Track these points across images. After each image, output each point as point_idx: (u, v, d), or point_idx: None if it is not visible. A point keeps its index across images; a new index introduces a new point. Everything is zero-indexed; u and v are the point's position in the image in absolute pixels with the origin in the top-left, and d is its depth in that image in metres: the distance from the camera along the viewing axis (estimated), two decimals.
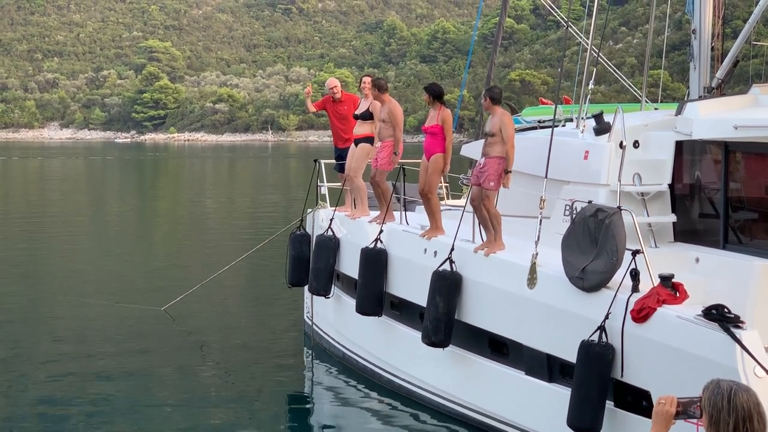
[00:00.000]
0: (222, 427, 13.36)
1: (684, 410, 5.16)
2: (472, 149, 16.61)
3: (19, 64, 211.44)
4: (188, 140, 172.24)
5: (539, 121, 17.54)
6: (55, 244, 33.10)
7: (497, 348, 12.40)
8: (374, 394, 14.88)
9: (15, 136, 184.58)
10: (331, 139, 18.26)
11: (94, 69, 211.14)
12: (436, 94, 14.10)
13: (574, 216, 11.52)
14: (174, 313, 20.12)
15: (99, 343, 18.00)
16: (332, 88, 17.76)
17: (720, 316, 9.35)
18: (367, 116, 16.36)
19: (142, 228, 39.77)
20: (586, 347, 10.31)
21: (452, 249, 12.87)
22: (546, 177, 12.17)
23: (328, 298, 16.60)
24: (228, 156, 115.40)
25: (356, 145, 16.46)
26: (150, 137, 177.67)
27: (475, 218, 13.06)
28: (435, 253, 13.45)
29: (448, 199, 18.19)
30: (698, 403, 5.08)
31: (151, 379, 15.71)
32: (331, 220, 16.59)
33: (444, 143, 13.97)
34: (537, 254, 11.54)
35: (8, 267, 27.49)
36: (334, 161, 17.90)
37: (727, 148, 11.58)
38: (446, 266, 12.86)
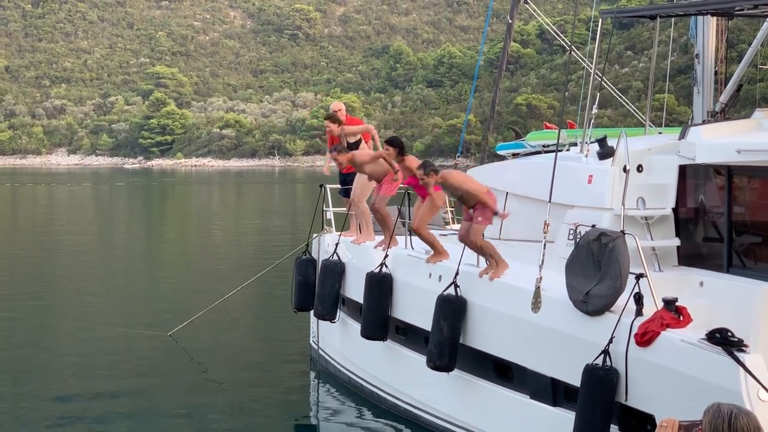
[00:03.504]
0: None
1: None
2: (477, 174, 16.67)
3: (27, 90, 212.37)
4: (195, 166, 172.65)
5: (543, 146, 17.63)
6: (62, 269, 33.19)
7: (502, 372, 12.39)
8: (380, 419, 14.87)
9: (23, 162, 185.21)
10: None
11: (101, 95, 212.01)
12: (400, 147, 14.38)
13: (578, 240, 11.54)
14: (180, 339, 20.13)
15: (104, 369, 18.00)
16: (337, 112, 17.78)
17: (724, 340, 9.34)
18: (355, 146, 16.60)
19: (149, 253, 39.83)
20: (590, 371, 10.31)
21: (457, 273, 12.89)
22: (550, 201, 12.20)
23: (334, 322, 16.62)
24: (235, 181, 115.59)
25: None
26: (157, 163, 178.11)
27: None
28: (440, 277, 13.47)
29: (453, 224, 18.24)
30: (699, 426, 5.11)
31: (157, 404, 15.71)
32: (336, 244, 16.63)
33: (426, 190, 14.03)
34: (541, 278, 11.56)
35: (16, 291, 27.52)
36: (339, 186, 17.95)
37: (731, 172, 11.62)
38: (451, 290, 12.88)
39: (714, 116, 14.69)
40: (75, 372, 17.85)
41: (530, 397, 11.78)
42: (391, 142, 14.72)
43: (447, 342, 12.76)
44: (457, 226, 17.56)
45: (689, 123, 14.14)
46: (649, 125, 15.97)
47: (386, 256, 14.87)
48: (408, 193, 15.80)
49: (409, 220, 15.71)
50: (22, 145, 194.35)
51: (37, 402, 15.71)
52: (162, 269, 34.51)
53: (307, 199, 67.49)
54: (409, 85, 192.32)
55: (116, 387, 16.69)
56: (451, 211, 18.16)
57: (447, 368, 12.90)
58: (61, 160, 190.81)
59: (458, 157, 23.69)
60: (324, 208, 17.95)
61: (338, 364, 17.14)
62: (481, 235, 12.92)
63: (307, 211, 16.96)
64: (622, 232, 10.77)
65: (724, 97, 14.72)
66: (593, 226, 11.38)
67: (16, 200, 78.76)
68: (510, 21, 19.86)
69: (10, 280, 30.14)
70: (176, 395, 16.24)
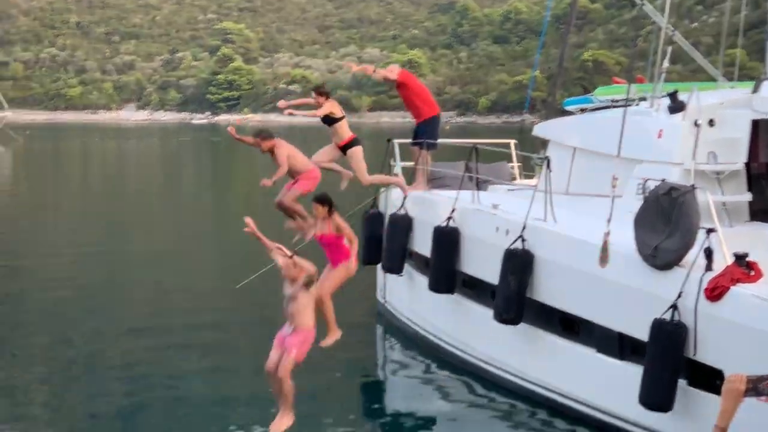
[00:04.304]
0: (296, 400, 13.54)
1: (753, 387, 5.19)
2: (545, 129, 16.61)
3: (97, 46, 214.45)
4: (261, 122, 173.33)
5: (613, 101, 17.46)
6: (131, 224, 33.69)
7: (568, 326, 12.41)
8: (446, 372, 14.96)
9: (94, 117, 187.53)
10: (405, 119, 18.17)
11: (169, 51, 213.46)
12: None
13: (646, 195, 11.47)
14: (248, 292, 20.33)
15: (173, 320, 18.31)
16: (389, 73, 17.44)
17: None
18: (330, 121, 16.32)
19: (218, 208, 40.24)
20: (658, 326, 10.29)
21: (524, 227, 12.90)
22: (618, 155, 12.12)
23: (401, 276, 16.72)
24: (302, 137, 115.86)
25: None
26: (224, 118, 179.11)
27: (548, 197, 12.96)
28: (507, 231, 13.47)
29: (520, 178, 18.21)
30: (767, 381, 5.10)
31: (223, 356, 15.99)
32: (404, 198, 16.69)
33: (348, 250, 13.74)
34: (609, 233, 11.51)
35: (88, 246, 28.03)
36: (409, 141, 17.80)
37: None
38: (518, 244, 12.89)
39: None
40: (142, 322, 18.18)
41: (597, 351, 11.79)
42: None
43: (514, 296, 12.80)
44: (524, 181, 17.53)
45: (763, 77, 13.92)
46: (722, 79, 15.74)
47: (453, 210, 14.90)
48: (476, 148, 15.77)
49: (477, 174, 15.69)
50: (92, 100, 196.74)
51: (105, 352, 16.06)
52: (230, 223, 34.84)
53: (374, 153, 67.43)
54: (475, 41, 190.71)
55: (185, 338, 17.00)
56: (519, 166, 18.11)
57: (513, 322, 12.96)
58: (130, 115, 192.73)
59: (525, 113, 23.50)
60: (391, 163, 17.98)
61: (405, 317, 17.25)
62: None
63: (375, 166, 16.99)
64: (693, 186, 10.69)
65: None
66: (663, 180, 11.30)
67: (87, 155, 79.84)
68: None
69: (80, 233, 30.68)
70: (243, 349, 16.48)
